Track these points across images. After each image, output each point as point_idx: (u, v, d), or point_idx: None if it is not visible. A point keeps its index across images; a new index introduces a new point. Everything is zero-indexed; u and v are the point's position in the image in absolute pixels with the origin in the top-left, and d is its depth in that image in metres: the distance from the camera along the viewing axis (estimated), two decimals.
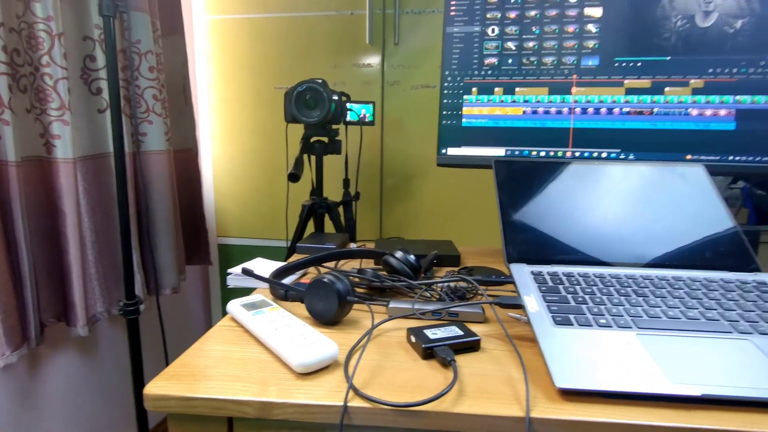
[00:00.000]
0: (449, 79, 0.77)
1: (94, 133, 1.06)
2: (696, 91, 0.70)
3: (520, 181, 0.65)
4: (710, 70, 0.70)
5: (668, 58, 0.70)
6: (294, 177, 0.98)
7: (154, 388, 0.40)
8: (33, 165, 0.93)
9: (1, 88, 0.83)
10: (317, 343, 0.43)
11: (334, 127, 1.13)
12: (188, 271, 1.57)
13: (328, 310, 0.51)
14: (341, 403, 0.38)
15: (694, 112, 0.71)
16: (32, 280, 0.90)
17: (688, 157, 0.72)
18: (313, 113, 0.99)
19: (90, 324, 1.03)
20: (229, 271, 0.68)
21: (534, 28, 0.74)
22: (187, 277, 1.57)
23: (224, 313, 1.66)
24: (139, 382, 1.05)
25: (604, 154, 0.74)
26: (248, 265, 0.71)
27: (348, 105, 1.10)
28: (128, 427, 1.29)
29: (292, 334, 0.46)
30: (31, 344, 0.91)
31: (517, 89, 0.75)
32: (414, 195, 1.47)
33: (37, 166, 0.94)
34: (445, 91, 0.78)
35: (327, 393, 0.39)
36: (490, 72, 0.76)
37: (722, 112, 0.70)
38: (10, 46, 0.86)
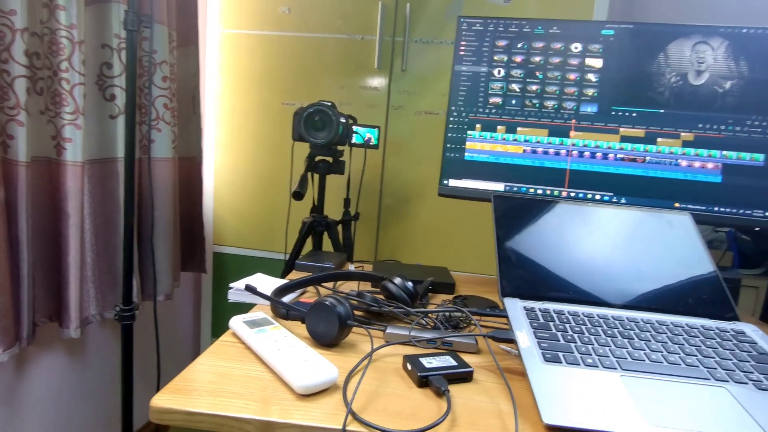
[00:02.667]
0: (455, 114, 0.81)
1: (103, 138, 1.08)
2: (686, 144, 0.75)
3: (517, 217, 0.68)
4: (700, 125, 0.74)
5: (662, 111, 0.75)
6: (298, 195, 1.00)
7: (160, 401, 0.41)
8: (41, 165, 0.95)
9: (19, 90, 0.85)
10: (318, 366, 0.45)
11: (339, 148, 1.16)
12: (181, 277, 1.58)
13: (328, 332, 0.53)
14: (340, 427, 0.39)
15: (684, 163, 0.75)
16: (30, 280, 0.91)
17: (676, 205, 0.75)
18: (321, 134, 1.02)
19: (82, 326, 1.03)
20: (231, 285, 0.69)
21: (538, 73, 0.78)
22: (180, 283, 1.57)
23: (214, 321, 1.66)
24: (128, 388, 1.04)
25: (597, 196, 0.78)
26: (249, 280, 0.73)
27: (354, 128, 1.13)
28: (109, 431, 1.28)
29: (294, 355, 0.48)
30: (23, 344, 0.91)
31: (518, 129, 0.79)
32: (410, 218, 1.50)
33: (45, 166, 0.96)
34: (451, 125, 0.81)
35: (326, 415, 0.41)
36: (494, 110, 0.79)
37: (710, 165, 0.74)
38: (30, 49, 0.88)
